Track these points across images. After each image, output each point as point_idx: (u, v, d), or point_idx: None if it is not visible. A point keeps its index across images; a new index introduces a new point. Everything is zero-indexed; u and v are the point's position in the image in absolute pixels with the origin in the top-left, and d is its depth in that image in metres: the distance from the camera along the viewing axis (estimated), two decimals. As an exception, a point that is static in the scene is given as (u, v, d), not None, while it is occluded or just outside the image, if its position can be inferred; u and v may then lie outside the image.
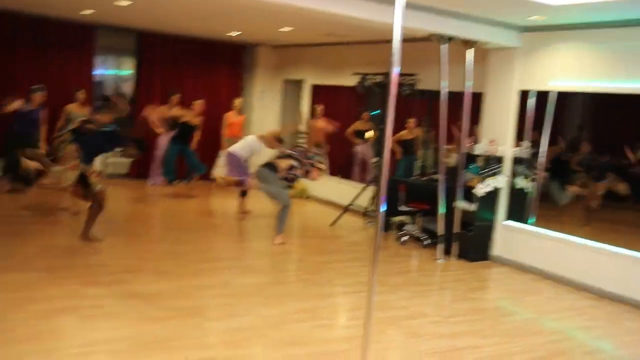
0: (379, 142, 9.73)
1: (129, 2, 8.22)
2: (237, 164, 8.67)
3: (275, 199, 7.54)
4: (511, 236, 7.60)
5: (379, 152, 9.87)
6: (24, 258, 6.06)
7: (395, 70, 4.19)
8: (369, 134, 10.29)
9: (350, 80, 9.90)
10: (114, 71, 12.50)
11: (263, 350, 4.36)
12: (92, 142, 6.49)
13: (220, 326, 4.75)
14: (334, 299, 5.71)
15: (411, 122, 9.65)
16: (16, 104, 8.77)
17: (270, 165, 7.49)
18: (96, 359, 3.99)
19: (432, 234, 8.01)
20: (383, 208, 4.27)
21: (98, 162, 6.96)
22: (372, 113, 10.19)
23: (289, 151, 7.78)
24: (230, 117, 11.02)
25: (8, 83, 10.38)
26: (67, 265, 5.98)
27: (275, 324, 4.89)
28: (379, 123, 9.49)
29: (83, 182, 6.49)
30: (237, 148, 8.75)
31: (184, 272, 6.11)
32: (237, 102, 10.94)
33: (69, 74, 10.95)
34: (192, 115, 10.35)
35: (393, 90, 4.21)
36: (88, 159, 6.53)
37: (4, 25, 10.33)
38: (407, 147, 9.74)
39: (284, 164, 7.48)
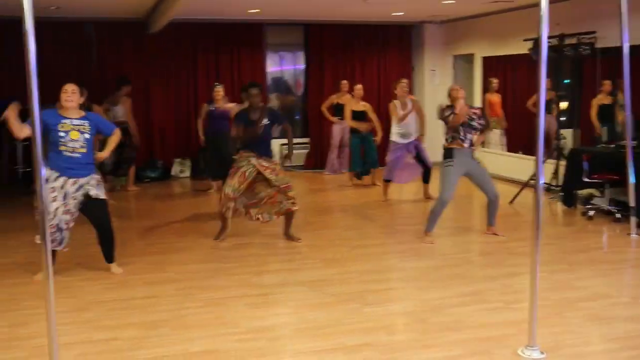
0: (570, 112, 9.05)
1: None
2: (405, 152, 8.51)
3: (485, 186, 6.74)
4: None
5: (569, 124, 9.19)
6: (201, 251, 6.37)
7: (545, 32, 3.84)
8: (563, 104, 9.50)
9: (523, 48, 9.28)
10: (291, 67, 12.80)
11: (421, 336, 4.16)
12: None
13: (380, 311, 4.61)
14: (505, 281, 5.30)
15: (606, 84, 8.80)
16: (204, 109, 9.24)
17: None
18: (257, 345, 4.04)
19: (624, 207, 7.23)
20: (542, 180, 3.92)
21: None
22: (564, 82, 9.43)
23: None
24: (398, 99, 10.79)
25: (191, 86, 11.11)
26: (239, 255, 6.20)
27: (437, 308, 4.65)
28: (569, 92, 8.76)
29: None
30: (398, 134, 8.53)
31: (349, 258, 6.07)
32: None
33: (244, 73, 11.43)
34: (355, 101, 10.01)
35: (543, 53, 3.84)
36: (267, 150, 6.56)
37: (186, 33, 11.04)
38: (606, 113, 8.88)
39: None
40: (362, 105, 9.93)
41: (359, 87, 9.98)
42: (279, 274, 5.58)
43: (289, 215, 6.59)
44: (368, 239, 6.81)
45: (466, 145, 6.42)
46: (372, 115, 9.91)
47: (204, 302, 4.85)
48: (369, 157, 10.03)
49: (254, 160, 6.36)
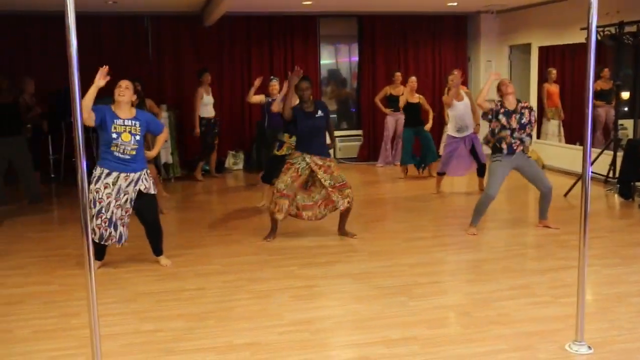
0: (632, 102, 8.72)
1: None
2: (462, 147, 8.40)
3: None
4: None
5: (631, 114, 8.87)
6: (249, 244, 6.41)
7: (594, 19, 3.73)
8: (624, 94, 9.18)
9: (580, 37, 9.00)
10: (346, 59, 12.75)
11: (465, 330, 4.09)
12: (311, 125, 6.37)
13: (425, 305, 4.56)
14: (555, 274, 5.17)
15: None
16: (258, 98, 9.08)
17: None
18: (299, 338, 4.05)
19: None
20: (589, 170, 3.81)
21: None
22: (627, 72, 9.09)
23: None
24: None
25: (245, 79, 11.19)
26: (287, 248, 6.22)
27: (484, 301, 4.57)
28: (629, 82, 8.45)
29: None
30: (455, 129, 8.40)
31: (398, 251, 6.03)
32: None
33: (298, 66, 11.41)
34: (410, 93, 9.84)
35: (592, 42, 3.73)
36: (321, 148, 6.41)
37: (239, 26, 11.15)
38: None
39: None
40: (417, 98, 9.87)
41: (413, 79, 9.88)
42: (326, 267, 5.58)
43: (344, 213, 6.52)
44: (418, 232, 6.74)
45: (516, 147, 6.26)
46: (427, 107, 9.92)
47: (250, 294, 4.89)
48: (427, 150, 9.90)
49: (308, 159, 6.31)
